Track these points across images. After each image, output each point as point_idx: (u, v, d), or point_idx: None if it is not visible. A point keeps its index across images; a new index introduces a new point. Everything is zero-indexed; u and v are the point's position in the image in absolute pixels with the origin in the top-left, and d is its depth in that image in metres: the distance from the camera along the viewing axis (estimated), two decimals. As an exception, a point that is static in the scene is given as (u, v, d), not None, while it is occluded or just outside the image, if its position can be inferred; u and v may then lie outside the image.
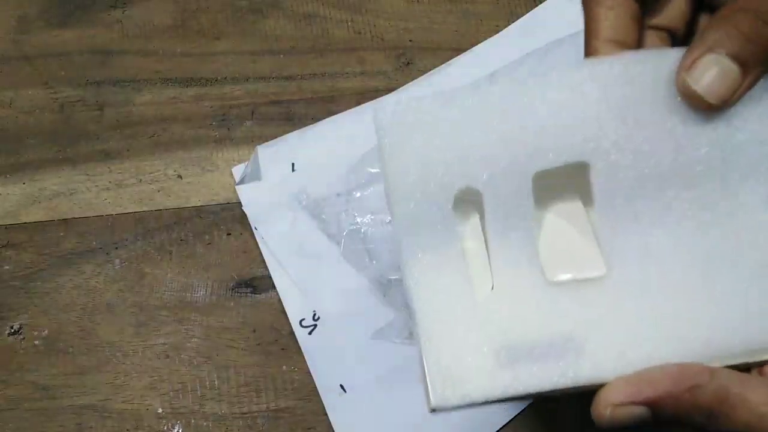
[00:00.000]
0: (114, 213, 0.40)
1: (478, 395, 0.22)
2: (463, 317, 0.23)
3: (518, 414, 0.35)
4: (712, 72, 0.21)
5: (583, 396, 0.22)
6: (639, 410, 0.20)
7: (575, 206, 0.25)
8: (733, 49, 0.21)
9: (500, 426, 0.35)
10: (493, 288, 0.23)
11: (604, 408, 0.21)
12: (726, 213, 0.23)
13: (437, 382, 0.22)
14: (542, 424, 0.35)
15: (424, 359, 0.23)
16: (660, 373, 0.21)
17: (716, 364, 0.22)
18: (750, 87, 0.21)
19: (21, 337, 0.37)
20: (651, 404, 0.20)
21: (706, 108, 0.22)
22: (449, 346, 0.23)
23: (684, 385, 0.20)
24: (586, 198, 0.25)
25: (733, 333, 0.22)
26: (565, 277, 0.23)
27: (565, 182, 0.25)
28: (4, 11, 0.46)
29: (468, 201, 0.25)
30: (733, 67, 0.21)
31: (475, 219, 0.25)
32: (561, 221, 0.25)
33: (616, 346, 0.22)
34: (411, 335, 0.36)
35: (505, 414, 0.35)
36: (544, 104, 0.23)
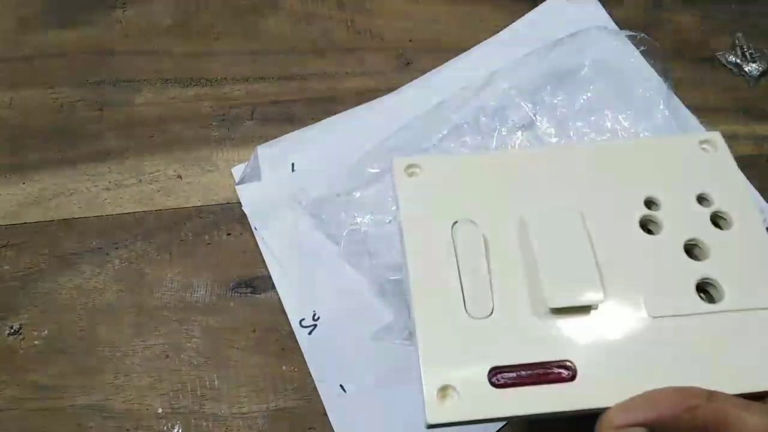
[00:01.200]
0: (114, 213, 0.40)
1: (474, 414, 0.23)
2: (462, 338, 0.24)
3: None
4: None
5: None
6: None
7: (578, 231, 0.25)
8: None
9: (500, 426, 0.35)
10: (492, 312, 0.24)
11: None
12: None
13: (434, 399, 0.23)
14: (542, 425, 0.35)
15: (422, 376, 0.23)
16: (660, 395, 0.21)
17: None
18: None
19: (21, 337, 0.37)
20: (651, 426, 0.20)
21: None
22: (447, 365, 0.23)
23: (683, 405, 0.20)
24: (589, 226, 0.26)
25: (734, 378, 0.23)
26: (564, 302, 0.24)
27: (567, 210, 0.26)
28: (4, 11, 0.47)
29: (471, 227, 0.26)
30: None
31: (478, 244, 0.26)
32: (564, 246, 0.25)
33: (612, 375, 0.23)
34: (410, 336, 0.36)
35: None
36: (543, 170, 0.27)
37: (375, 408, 0.35)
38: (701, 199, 0.26)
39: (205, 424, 0.35)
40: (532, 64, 0.41)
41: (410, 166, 0.28)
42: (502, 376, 0.23)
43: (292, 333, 0.37)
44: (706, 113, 0.43)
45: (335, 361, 0.36)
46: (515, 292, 0.25)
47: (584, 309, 0.24)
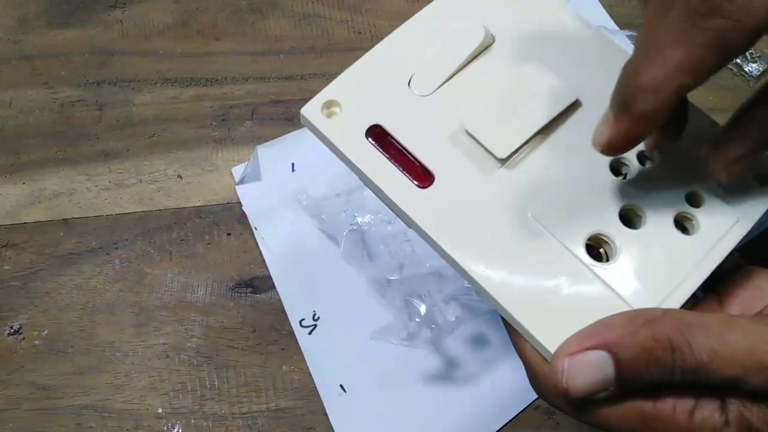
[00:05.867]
0: (114, 213, 0.40)
1: (330, 137, 0.23)
2: (383, 93, 0.24)
3: (518, 415, 0.35)
4: None
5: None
6: (599, 359, 0.19)
7: (552, 103, 0.24)
8: None
9: (499, 426, 0.35)
10: (428, 97, 0.24)
11: (561, 362, 0.20)
12: None
13: (320, 103, 0.24)
14: (543, 426, 0.35)
15: (330, 83, 0.24)
16: (613, 318, 0.20)
17: None
18: None
19: (21, 337, 0.37)
20: (610, 347, 0.19)
21: None
22: (353, 93, 0.24)
23: (639, 321, 0.20)
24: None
25: None
26: (473, 129, 0.23)
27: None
28: (4, 11, 0.46)
29: (476, 29, 0.26)
30: None
31: (467, 44, 0.25)
32: (527, 102, 0.24)
33: (458, 222, 0.22)
34: (409, 336, 0.36)
35: (503, 415, 0.35)
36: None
37: (375, 408, 0.35)
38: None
39: (205, 424, 0.35)
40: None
41: None
42: (377, 136, 0.24)
43: (292, 333, 0.37)
44: (706, 113, 0.43)
45: (335, 361, 0.36)
46: (460, 100, 0.24)
47: (495, 162, 0.23)
